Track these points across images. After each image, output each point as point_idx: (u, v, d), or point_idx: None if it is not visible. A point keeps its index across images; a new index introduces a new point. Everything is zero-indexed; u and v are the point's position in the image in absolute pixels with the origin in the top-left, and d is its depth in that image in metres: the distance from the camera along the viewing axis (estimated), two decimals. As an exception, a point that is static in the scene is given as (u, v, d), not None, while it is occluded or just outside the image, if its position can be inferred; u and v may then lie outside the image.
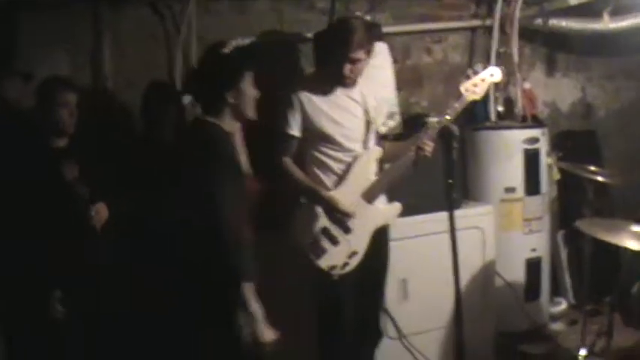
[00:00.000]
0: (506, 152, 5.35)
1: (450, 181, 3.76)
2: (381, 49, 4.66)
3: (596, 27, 6.07)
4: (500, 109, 5.69)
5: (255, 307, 3.16)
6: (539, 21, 5.97)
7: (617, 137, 6.68)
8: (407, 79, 5.53)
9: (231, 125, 3.40)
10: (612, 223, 4.16)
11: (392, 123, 4.60)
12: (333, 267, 3.91)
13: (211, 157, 3.19)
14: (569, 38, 6.29)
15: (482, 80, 4.05)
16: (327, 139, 3.97)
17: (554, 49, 6.42)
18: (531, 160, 5.40)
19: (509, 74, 5.64)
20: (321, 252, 3.91)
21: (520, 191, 5.38)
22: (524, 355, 5.28)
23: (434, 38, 5.82)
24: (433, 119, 4.05)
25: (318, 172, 4.00)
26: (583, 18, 6.07)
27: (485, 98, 5.43)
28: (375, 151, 4.08)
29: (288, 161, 3.99)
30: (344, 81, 3.95)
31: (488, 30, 5.88)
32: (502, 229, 5.29)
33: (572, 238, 6.04)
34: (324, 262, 3.90)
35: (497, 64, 5.52)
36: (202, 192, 3.16)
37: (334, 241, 3.93)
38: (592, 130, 6.56)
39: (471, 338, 4.64)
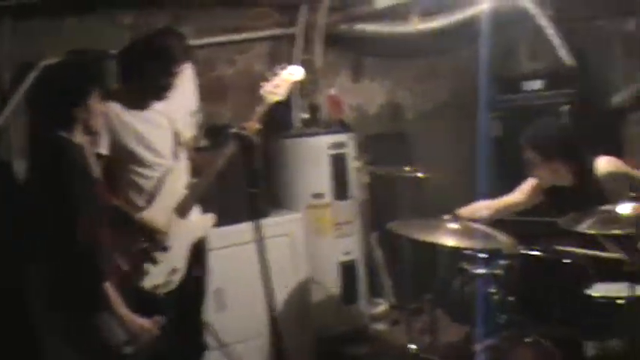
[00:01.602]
0: (313, 158, 5.60)
1: (254, 190, 3.88)
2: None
3: (404, 30, 6.38)
4: (306, 116, 5.92)
5: (118, 304, 3.34)
6: (344, 27, 6.23)
7: (427, 138, 6.99)
8: (211, 91, 5.68)
9: (82, 138, 3.46)
10: (426, 222, 4.29)
11: (197, 135, 4.80)
12: (157, 286, 3.99)
13: (65, 168, 3.31)
14: (376, 42, 6.52)
15: (283, 80, 4.28)
16: (135, 157, 4.01)
17: (361, 53, 6.68)
18: (338, 164, 5.67)
19: (313, 81, 5.94)
20: (142, 273, 3.95)
21: (329, 196, 5.64)
22: (349, 357, 5.55)
23: (238, 49, 5.98)
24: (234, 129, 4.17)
25: (129, 191, 4.03)
26: (390, 21, 6.36)
27: (290, 106, 5.75)
28: (184, 165, 4.19)
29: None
30: (164, 95, 4.08)
31: (292, 38, 6.12)
32: (313, 234, 5.55)
33: (387, 239, 6.33)
34: (147, 283, 3.96)
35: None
36: (58, 203, 3.29)
37: (154, 261, 3.98)
38: (401, 133, 6.89)
39: (291, 345, 4.96)
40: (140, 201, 4.04)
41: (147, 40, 4.13)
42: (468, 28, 6.51)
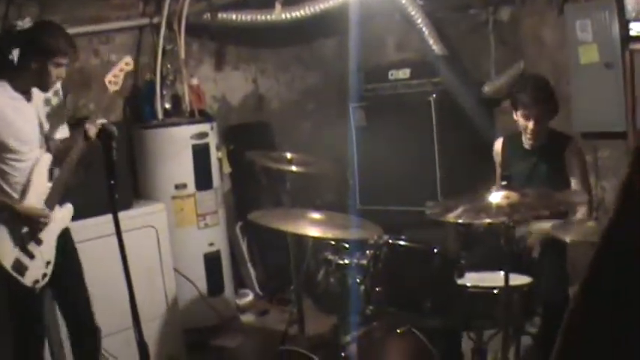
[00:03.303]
0: (175, 149, 5.66)
1: (112, 182, 3.77)
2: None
3: (268, 18, 6.49)
4: (168, 106, 5.95)
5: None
6: (207, 16, 6.30)
7: (292, 127, 7.21)
8: (75, 82, 5.62)
9: None
10: (290, 212, 4.22)
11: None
12: (36, 281, 4.04)
13: None
14: (240, 31, 6.63)
15: (120, 70, 4.46)
16: (7, 148, 4.00)
17: (224, 43, 6.78)
18: (200, 155, 5.76)
19: (176, 71, 6.02)
20: (24, 269, 3.99)
21: (191, 187, 5.72)
22: (217, 349, 5.63)
23: (101, 39, 5.96)
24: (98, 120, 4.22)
25: (3, 184, 4.03)
26: (254, 10, 6.47)
27: (152, 96, 5.86)
28: (48, 156, 4.20)
29: None
30: (47, 86, 4.13)
31: (156, 28, 6.13)
32: (177, 225, 5.63)
33: (251, 229, 6.50)
34: (28, 279, 4.00)
35: (165, 62, 5.98)
36: None
37: (31, 256, 4.02)
38: (265, 122, 7.02)
39: (158, 337, 5.07)
40: (15, 194, 4.06)
41: (35, 33, 4.18)
42: (336, 17, 6.71)
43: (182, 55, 6.12)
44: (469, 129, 6.01)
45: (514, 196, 3.51)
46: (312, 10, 6.59)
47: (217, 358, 5.62)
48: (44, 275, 4.12)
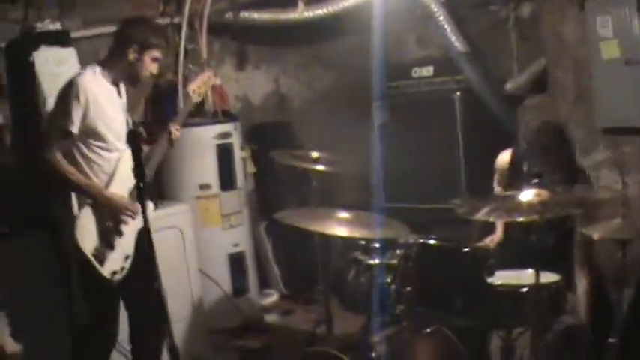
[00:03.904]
0: (199, 149, 5.70)
1: (141, 184, 3.69)
2: (71, 54, 4.93)
3: (290, 17, 6.52)
4: None
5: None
6: (229, 15, 6.33)
7: (313, 126, 7.14)
8: None
9: None
10: (317, 212, 4.18)
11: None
12: (115, 272, 4.09)
13: None
14: (261, 30, 6.65)
15: (204, 82, 4.55)
16: (101, 138, 4.08)
17: (245, 42, 6.81)
18: (224, 155, 5.80)
19: (198, 71, 5.81)
20: (103, 258, 4.05)
21: (215, 187, 5.76)
22: (242, 350, 5.63)
23: None
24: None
25: (87, 170, 4.08)
26: (276, 9, 6.51)
27: (175, 96, 5.87)
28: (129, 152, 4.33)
29: (59, 157, 4.00)
30: (139, 79, 4.22)
31: (177, 27, 6.14)
32: (201, 226, 5.66)
33: (276, 229, 6.52)
34: (107, 269, 4.06)
35: (186, 62, 6.01)
36: None
37: (111, 246, 4.09)
38: (287, 121, 7.05)
39: (185, 338, 5.08)
40: (99, 182, 4.11)
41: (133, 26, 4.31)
42: (356, 15, 6.67)
43: (204, 54, 6.15)
44: (493, 126, 5.98)
45: (545, 194, 3.51)
46: (334, 7, 6.59)
47: (242, 358, 5.62)
48: (122, 269, 4.16)
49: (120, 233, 4.15)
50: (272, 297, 6.51)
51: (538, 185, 3.58)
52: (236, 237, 5.97)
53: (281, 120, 7.11)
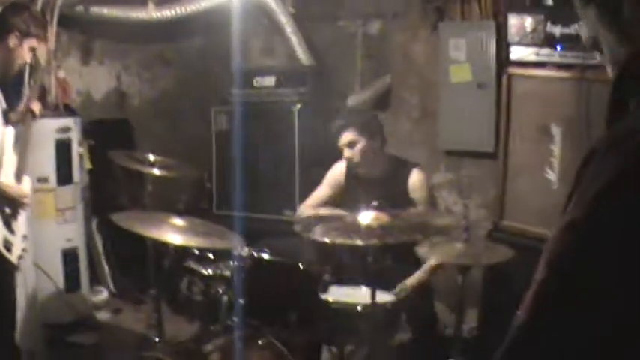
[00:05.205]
0: (39, 142, 5.45)
1: None
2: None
3: (140, 16, 6.62)
4: None
5: None
6: (80, 8, 6.35)
7: (153, 126, 7.30)
8: None
9: None
10: (152, 216, 4.07)
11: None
12: (20, 257, 4.19)
13: None
14: (108, 26, 6.69)
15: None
16: None
17: (93, 36, 6.83)
18: (63, 149, 5.78)
19: (46, 63, 5.84)
20: (11, 246, 4.12)
21: (53, 181, 5.75)
22: (75, 346, 5.67)
23: None
24: None
25: None
26: (126, 6, 6.58)
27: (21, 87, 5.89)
28: (10, 129, 4.33)
29: None
30: (15, 67, 4.30)
31: None
32: (36, 219, 5.52)
33: (108, 227, 6.48)
34: (14, 256, 4.16)
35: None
36: None
37: (12, 230, 4.15)
38: (125, 119, 7.11)
39: (19, 331, 5.06)
40: None
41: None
42: (204, 18, 6.87)
43: (52, 46, 6.09)
44: (330, 140, 6.21)
45: (384, 218, 3.57)
46: (183, 10, 6.72)
47: (74, 354, 5.65)
48: (24, 250, 4.25)
49: (14, 216, 4.21)
50: (102, 294, 6.51)
51: (377, 208, 3.61)
52: (70, 232, 5.96)
53: (120, 118, 7.14)
